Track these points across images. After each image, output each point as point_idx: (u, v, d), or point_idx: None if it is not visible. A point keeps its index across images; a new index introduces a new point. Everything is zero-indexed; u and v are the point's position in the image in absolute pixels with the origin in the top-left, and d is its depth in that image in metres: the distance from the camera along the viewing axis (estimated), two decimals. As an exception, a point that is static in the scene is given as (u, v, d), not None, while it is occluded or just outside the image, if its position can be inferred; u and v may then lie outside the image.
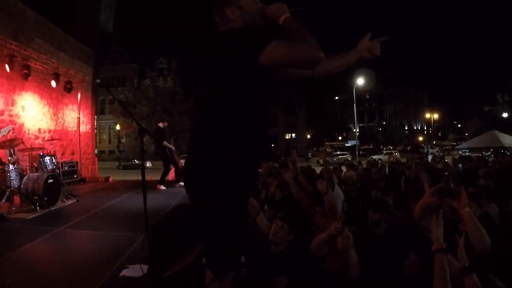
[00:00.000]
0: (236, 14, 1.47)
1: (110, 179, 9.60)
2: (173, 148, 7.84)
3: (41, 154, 6.25)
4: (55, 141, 6.96)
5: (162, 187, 7.45)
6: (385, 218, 2.71)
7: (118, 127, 34.40)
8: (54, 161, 6.37)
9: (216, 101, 1.38)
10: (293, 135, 48.78)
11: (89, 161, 10.39)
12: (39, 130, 7.83)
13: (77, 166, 8.63)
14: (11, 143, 5.26)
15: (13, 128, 6.25)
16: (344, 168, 6.96)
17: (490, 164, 7.68)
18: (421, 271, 1.99)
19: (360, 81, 27.15)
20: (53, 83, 7.59)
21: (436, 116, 59.93)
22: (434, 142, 53.46)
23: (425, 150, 31.50)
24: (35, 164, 5.96)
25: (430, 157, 15.85)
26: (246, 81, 1.35)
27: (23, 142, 6.17)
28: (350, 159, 29.05)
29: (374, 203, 2.92)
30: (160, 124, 7.89)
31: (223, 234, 1.39)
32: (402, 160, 11.87)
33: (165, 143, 7.51)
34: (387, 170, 7.19)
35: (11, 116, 6.81)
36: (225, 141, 1.35)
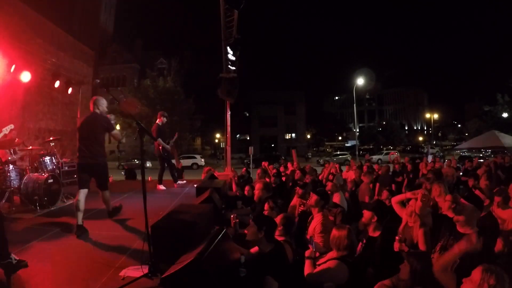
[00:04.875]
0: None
1: (110, 179, 9.57)
2: (168, 147, 7.41)
3: (41, 154, 6.24)
4: (55, 141, 6.94)
5: (162, 187, 7.42)
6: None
7: (118, 127, 34.38)
8: (54, 161, 6.36)
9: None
10: (293, 135, 48.78)
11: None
12: (39, 130, 7.82)
13: (77, 166, 8.59)
14: (11, 143, 5.25)
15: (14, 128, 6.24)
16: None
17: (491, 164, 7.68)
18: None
19: (360, 81, 27.17)
20: (53, 83, 7.58)
21: (436, 116, 59.94)
22: (434, 142, 53.42)
23: (425, 150, 31.48)
24: (35, 164, 5.96)
25: (430, 157, 15.83)
26: None
27: (23, 142, 6.16)
28: (350, 159, 29.03)
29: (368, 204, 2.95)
30: (158, 121, 7.40)
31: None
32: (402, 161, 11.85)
33: (159, 141, 7.09)
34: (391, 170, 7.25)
35: (11, 116, 6.80)
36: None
